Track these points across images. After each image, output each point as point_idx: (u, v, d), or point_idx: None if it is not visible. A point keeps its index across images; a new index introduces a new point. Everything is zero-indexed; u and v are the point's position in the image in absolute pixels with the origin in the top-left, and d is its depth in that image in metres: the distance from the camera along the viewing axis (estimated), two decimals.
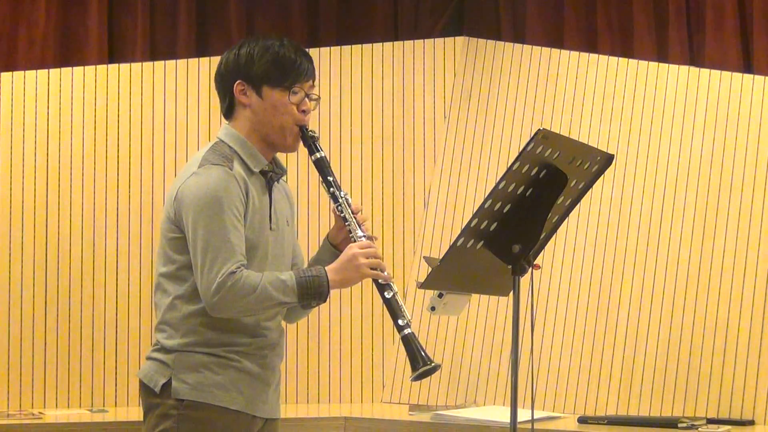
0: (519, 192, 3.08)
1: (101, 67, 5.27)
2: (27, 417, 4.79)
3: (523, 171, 3.05)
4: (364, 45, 5.48)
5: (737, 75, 4.77)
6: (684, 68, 4.92)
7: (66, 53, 5.57)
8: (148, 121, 5.23)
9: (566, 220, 3.33)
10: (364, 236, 3.23)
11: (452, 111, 5.42)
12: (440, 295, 3.29)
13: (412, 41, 5.51)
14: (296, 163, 5.13)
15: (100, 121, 5.18)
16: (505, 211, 3.09)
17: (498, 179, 3.03)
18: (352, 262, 3.16)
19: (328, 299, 3.19)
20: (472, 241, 3.09)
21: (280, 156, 3.37)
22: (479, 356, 5.08)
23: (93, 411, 4.99)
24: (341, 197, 3.27)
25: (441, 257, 3.13)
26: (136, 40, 5.69)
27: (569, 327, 4.91)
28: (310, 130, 3.26)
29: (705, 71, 4.84)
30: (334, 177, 3.28)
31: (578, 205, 3.31)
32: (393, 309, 3.16)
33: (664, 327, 4.70)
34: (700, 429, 4.36)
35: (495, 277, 3.23)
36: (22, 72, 5.20)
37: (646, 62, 5.02)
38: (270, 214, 3.21)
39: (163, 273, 3.17)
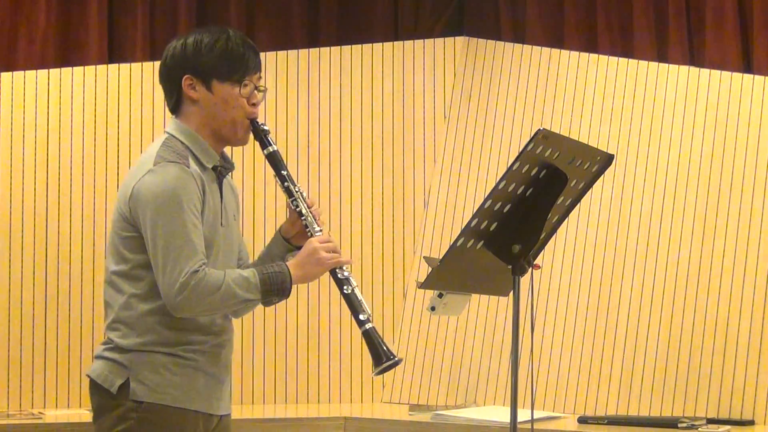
0: (519, 192, 3.08)
1: (101, 67, 5.27)
2: (27, 417, 4.79)
3: (523, 171, 3.05)
4: (364, 45, 5.48)
5: (737, 75, 4.77)
6: (684, 68, 4.92)
7: (66, 53, 5.57)
8: (148, 121, 5.23)
9: (566, 220, 3.33)
10: (322, 230, 3.20)
11: (452, 111, 5.42)
12: (440, 295, 3.29)
13: (412, 41, 5.51)
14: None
15: (100, 121, 5.18)
16: (505, 211, 3.08)
17: (498, 179, 3.03)
18: (313, 256, 3.13)
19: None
20: (472, 241, 3.09)
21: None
22: (479, 356, 5.08)
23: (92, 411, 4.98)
24: (295, 191, 3.22)
25: (441, 257, 3.13)
26: (136, 40, 5.68)
27: (569, 327, 4.91)
28: (262, 123, 3.22)
29: (705, 71, 4.85)
30: (287, 171, 3.23)
31: (578, 205, 3.31)
32: (353, 304, 3.15)
33: (664, 327, 4.70)
34: (700, 429, 4.36)
35: (495, 277, 3.23)
36: (22, 72, 5.20)
37: (646, 62, 5.02)
38: (221, 210, 3.17)
39: (116, 271, 3.11)
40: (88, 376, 3.15)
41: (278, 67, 5.38)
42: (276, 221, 5.03)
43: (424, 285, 3.19)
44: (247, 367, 5.19)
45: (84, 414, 4.93)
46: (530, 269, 3.17)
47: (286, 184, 3.22)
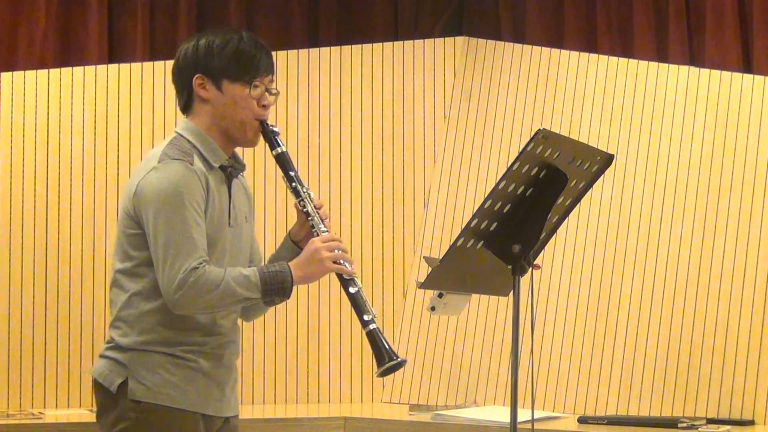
0: (519, 192, 3.08)
1: (101, 67, 5.27)
2: (27, 417, 4.79)
3: (523, 171, 3.05)
4: (364, 45, 5.48)
5: (737, 75, 4.77)
6: (684, 68, 4.92)
7: (66, 53, 5.57)
8: (148, 121, 5.23)
9: (566, 220, 3.33)
10: (327, 231, 3.19)
11: (452, 111, 5.42)
12: (440, 295, 3.29)
13: (412, 41, 5.51)
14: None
15: (100, 121, 5.18)
16: (505, 211, 3.09)
17: (498, 179, 3.03)
18: (315, 256, 3.12)
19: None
20: (472, 241, 3.09)
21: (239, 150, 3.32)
22: (479, 356, 5.08)
23: (93, 411, 4.97)
24: (303, 192, 3.22)
25: (441, 257, 3.13)
26: (136, 40, 5.69)
27: (569, 327, 4.91)
28: (271, 125, 3.22)
29: (705, 71, 4.85)
30: (296, 172, 3.23)
31: (578, 205, 3.32)
32: (357, 304, 3.13)
33: (664, 327, 4.70)
34: (700, 429, 4.36)
35: (495, 277, 3.23)
36: (22, 72, 5.20)
37: (646, 62, 5.02)
38: (229, 210, 3.16)
39: (121, 269, 3.12)
40: (92, 375, 3.16)
41: (278, 67, 5.36)
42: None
43: (424, 285, 3.19)
44: (247, 367, 5.19)
45: (84, 414, 4.94)
46: (530, 269, 3.17)
47: (294, 184, 3.22)
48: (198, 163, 3.10)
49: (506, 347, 4.96)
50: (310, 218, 3.21)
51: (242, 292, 3.04)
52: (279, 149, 3.22)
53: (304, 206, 3.22)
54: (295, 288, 3.14)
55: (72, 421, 4.75)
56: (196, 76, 3.18)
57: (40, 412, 4.89)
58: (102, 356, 3.15)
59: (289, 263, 3.12)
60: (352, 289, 3.14)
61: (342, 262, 3.14)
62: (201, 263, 3.00)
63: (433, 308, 3.30)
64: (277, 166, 3.25)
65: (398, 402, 5.22)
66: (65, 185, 5.13)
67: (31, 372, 5.05)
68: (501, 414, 4.58)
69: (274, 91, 3.22)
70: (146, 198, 3.04)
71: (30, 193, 5.10)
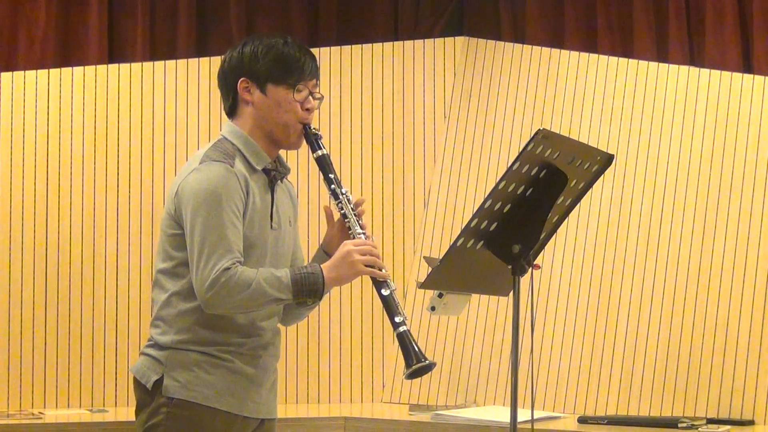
0: (519, 192, 3.08)
1: (101, 67, 5.27)
2: (27, 417, 4.79)
3: (523, 171, 3.05)
4: (364, 45, 5.48)
5: (737, 75, 4.77)
6: (684, 68, 4.92)
7: (66, 53, 5.57)
8: (148, 121, 5.23)
9: (566, 220, 3.34)
10: (363, 233, 3.21)
11: (452, 111, 5.42)
12: (440, 295, 3.29)
13: (412, 41, 5.52)
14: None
15: (100, 121, 5.18)
16: (505, 211, 3.09)
17: (498, 179, 3.04)
18: (347, 258, 3.14)
19: (324, 298, 3.17)
20: (472, 241, 3.09)
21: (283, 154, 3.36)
22: (479, 356, 5.08)
23: (93, 411, 4.99)
24: (341, 194, 3.26)
25: (441, 257, 3.13)
26: (136, 40, 5.69)
27: (569, 327, 4.91)
28: (314, 128, 3.26)
29: (705, 71, 4.85)
30: (335, 174, 3.28)
31: (578, 205, 3.32)
32: (389, 306, 3.15)
33: (664, 327, 4.70)
34: (700, 429, 4.36)
35: (495, 277, 3.23)
36: (22, 72, 5.20)
37: (646, 62, 5.02)
38: (271, 212, 3.20)
39: (162, 269, 3.17)
40: (131, 372, 3.21)
41: None
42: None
43: (424, 285, 3.19)
44: None
45: (84, 414, 4.94)
46: (530, 269, 3.17)
47: (332, 186, 3.27)
48: (239, 166, 3.14)
49: (506, 347, 4.96)
50: (347, 220, 3.25)
51: (273, 292, 3.06)
52: (320, 152, 3.26)
53: (341, 208, 3.26)
54: None
55: (72, 421, 4.76)
56: (241, 79, 3.21)
57: (40, 412, 4.89)
58: (142, 353, 3.19)
59: (322, 265, 3.14)
60: (384, 292, 3.16)
61: (374, 264, 3.15)
62: (234, 263, 3.03)
63: (433, 308, 3.31)
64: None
65: (398, 402, 5.22)
66: (65, 185, 5.13)
67: (31, 372, 5.05)
68: (501, 414, 4.58)
69: (318, 95, 3.26)
70: (185, 198, 3.09)
71: (30, 193, 5.10)
